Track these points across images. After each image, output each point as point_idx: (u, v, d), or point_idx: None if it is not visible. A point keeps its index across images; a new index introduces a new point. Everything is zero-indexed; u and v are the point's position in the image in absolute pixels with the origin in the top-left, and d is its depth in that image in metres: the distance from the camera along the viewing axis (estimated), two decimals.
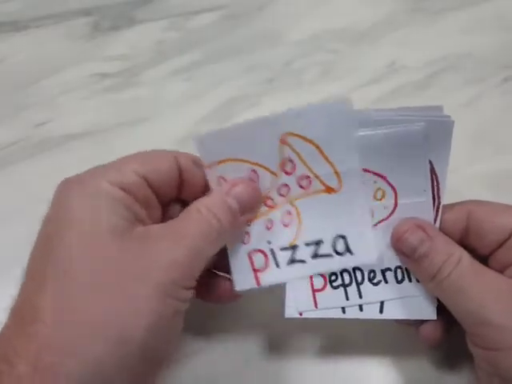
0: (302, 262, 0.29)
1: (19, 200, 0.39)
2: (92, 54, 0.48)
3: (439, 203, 0.28)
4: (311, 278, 0.29)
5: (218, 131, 0.27)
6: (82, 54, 0.48)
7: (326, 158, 0.27)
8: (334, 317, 0.29)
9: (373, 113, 0.27)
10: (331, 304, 0.29)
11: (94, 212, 0.24)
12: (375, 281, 0.29)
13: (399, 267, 0.29)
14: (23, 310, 0.23)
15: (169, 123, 0.44)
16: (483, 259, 0.28)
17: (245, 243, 0.29)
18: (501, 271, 0.27)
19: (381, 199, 0.28)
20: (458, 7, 0.50)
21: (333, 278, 0.29)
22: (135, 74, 0.47)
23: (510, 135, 0.42)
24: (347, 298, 0.29)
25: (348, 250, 0.29)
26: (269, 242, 0.29)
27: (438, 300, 0.28)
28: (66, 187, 0.26)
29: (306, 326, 0.33)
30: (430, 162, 0.27)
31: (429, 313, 0.29)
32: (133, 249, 0.24)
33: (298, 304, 0.29)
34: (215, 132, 0.27)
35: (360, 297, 0.29)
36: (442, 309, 0.28)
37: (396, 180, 0.28)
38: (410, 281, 0.29)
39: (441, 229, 0.28)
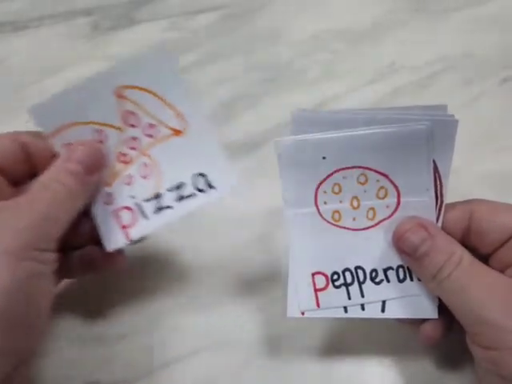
0: (169, 207, 0.30)
1: None
2: (92, 54, 0.48)
3: (442, 202, 0.28)
4: (313, 276, 0.29)
5: (51, 98, 0.28)
6: (82, 54, 0.48)
7: (165, 102, 0.28)
8: (336, 316, 0.29)
9: (377, 112, 0.27)
10: (333, 303, 0.29)
11: None
12: (377, 280, 0.29)
13: (401, 266, 0.29)
14: None
15: None
16: (484, 258, 0.28)
17: (107, 203, 0.30)
18: (501, 271, 0.27)
19: (383, 198, 0.28)
20: (458, 7, 0.50)
21: (335, 277, 0.29)
22: None
23: (510, 135, 0.42)
24: (349, 298, 0.29)
25: (210, 186, 0.30)
26: (132, 197, 0.30)
27: (439, 299, 0.28)
28: None
29: (306, 325, 0.33)
30: (434, 161, 0.27)
31: (430, 312, 0.29)
32: None
33: (300, 304, 0.29)
34: (48, 99, 0.28)
35: (362, 296, 0.29)
36: (442, 308, 0.28)
37: (399, 179, 0.28)
38: (412, 280, 0.29)
39: (443, 228, 0.28)
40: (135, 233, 0.30)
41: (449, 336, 0.29)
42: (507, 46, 0.47)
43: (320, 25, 0.50)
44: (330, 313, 0.29)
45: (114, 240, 0.30)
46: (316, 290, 0.29)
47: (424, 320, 0.29)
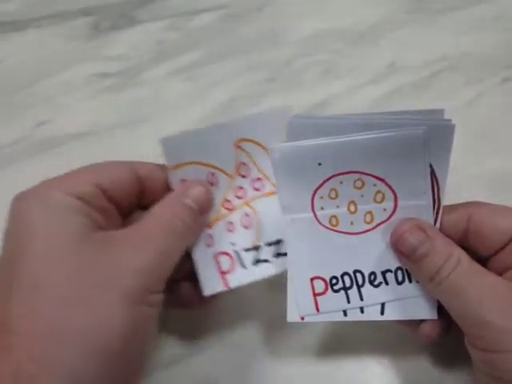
0: (267, 261, 0.30)
1: None
2: (92, 53, 0.48)
3: (439, 205, 0.28)
4: (312, 282, 0.29)
5: (183, 134, 0.28)
6: (82, 54, 0.48)
7: None
8: (336, 320, 0.29)
9: (372, 116, 0.27)
10: (333, 308, 0.29)
11: (52, 223, 0.24)
12: (376, 283, 0.29)
13: (399, 268, 0.29)
14: None
15: (169, 123, 0.44)
16: (483, 261, 0.28)
17: (209, 245, 0.30)
18: (500, 273, 0.27)
19: (380, 202, 0.28)
20: (458, 7, 0.50)
21: (333, 281, 0.29)
22: (135, 74, 0.47)
23: (510, 135, 0.42)
24: (348, 301, 0.29)
25: None
26: (232, 244, 0.30)
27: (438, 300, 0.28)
28: (22, 200, 0.26)
29: (305, 326, 0.33)
30: (431, 166, 0.27)
31: (429, 313, 0.29)
32: (95, 256, 0.24)
33: (299, 309, 0.29)
34: (180, 135, 0.29)
35: (361, 299, 0.29)
36: (441, 307, 0.28)
37: (395, 183, 0.28)
38: (410, 281, 0.29)
39: (441, 230, 0.28)
40: (234, 281, 0.30)
41: (448, 336, 0.29)
42: (507, 45, 0.47)
43: (320, 25, 0.50)
44: (330, 317, 0.29)
45: (212, 285, 0.30)
46: (315, 295, 0.29)
47: (422, 320, 0.29)
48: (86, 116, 0.44)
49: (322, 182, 0.28)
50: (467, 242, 0.28)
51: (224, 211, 0.30)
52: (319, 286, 0.29)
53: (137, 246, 0.25)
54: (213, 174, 0.30)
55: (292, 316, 0.29)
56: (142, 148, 0.42)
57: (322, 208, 0.28)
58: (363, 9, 0.51)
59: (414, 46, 0.48)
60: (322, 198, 0.28)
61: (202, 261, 0.30)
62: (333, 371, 0.32)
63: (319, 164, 0.27)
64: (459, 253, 0.27)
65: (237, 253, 0.30)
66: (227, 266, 0.30)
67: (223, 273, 0.30)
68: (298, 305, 0.29)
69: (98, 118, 0.44)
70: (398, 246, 0.28)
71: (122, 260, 0.24)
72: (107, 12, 0.51)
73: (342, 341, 0.33)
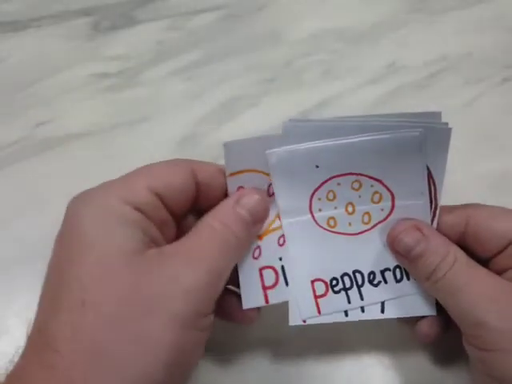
0: None
1: (19, 200, 0.39)
2: (92, 54, 0.48)
3: (436, 206, 0.28)
4: (312, 284, 0.29)
5: (247, 140, 0.27)
6: (82, 54, 0.48)
7: None
8: (338, 321, 0.29)
9: (369, 119, 0.26)
10: (334, 309, 0.29)
11: (107, 236, 0.23)
12: (375, 282, 0.29)
13: (398, 267, 0.29)
14: (38, 338, 0.22)
15: (169, 123, 0.44)
16: (481, 262, 0.28)
17: (255, 258, 0.28)
18: (499, 274, 0.27)
19: (378, 202, 0.28)
20: (458, 7, 0.50)
21: (334, 282, 0.29)
22: (135, 74, 0.47)
23: (510, 135, 0.42)
24: (349, 302, 0.29)
25: None
26: (280, 259, 0.29)
27: None
28: (78, 206, 0.24)
29: (305, 326, 0.33)
30: (428, 167, 0.27)
31: (428, 309, 0.29)
32: (146, 276, 0.22)
33: (301, 312, 0.29)
34: (244, 140, 0.27)
35: (362, 299, 0.29)
36: (439, 305, 0.28)
37: (393, 184, 0.28)
38: (409, 279, 0.29)
39: (438, 231, 0.28)
40: (274, 297, 0.29)
41: (449, 335, 0.29)
42: (507, 45, 0.47)
43: (320, 25, 0.50)
44: (331, 318, 0.29)
45: (253, 299, 0.28)
46: (316, 297, 0.29)
47: (420, 318, 0.29)
48: (86, 116, 0.44)
49: (319, 184, 0.28)
50: (465, 245, 0.28)
51: (278, 223, 0.29)
52: (320, 288, 0.29)
53: (188, 264, 0.23)
54: (271, 185, 0.28)
55: (294, 319, 0.29)
56: (142, 148, 0.42)
57: (319, 210, 0.28)
58: (363, 9, 0.51)
59: (414, 46, 0.48)
60: (319, 199, 0.28)
61: (247, 273, 0.28)
62: (333, 371, 0.32)
63: (316, 166, 0.27)
64: (455, 251, 0.27)
65: (283, 269, 0.29)
66: (271, 282, 0.29)
67: (265, 288, 0.29)
68: (300, 308, 0.29)
69: (98, 118, 0.44)
70: (394, 245, 0.28)
71: (172, 281, 0.22)
72: (107, 12, 0.51)
73: (341, 341, 0.33)
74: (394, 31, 0.49)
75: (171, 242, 0.25)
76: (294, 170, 0.27)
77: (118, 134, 0.43)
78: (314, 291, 0.29)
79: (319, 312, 0.29)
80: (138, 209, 0.24)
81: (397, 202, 0.28)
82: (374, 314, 0.29)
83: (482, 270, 0.27)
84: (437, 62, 0.47)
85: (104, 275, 0.22)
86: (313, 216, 0.28)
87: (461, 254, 0.27)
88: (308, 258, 0.29)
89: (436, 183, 0.28)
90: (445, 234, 0.28)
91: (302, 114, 0.43)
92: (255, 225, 0.27)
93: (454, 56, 0.47)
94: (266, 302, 0.29)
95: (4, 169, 0.41)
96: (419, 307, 0.29)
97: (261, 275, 0.28)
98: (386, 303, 0.29)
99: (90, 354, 0.21)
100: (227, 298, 0.29)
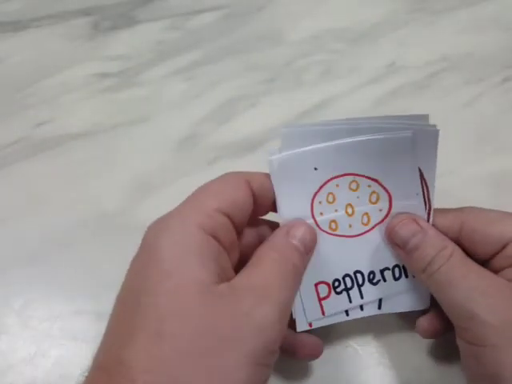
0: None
1: (19, 200, 0.39)
2: (92, 54, 0.48)
3: (430, 207, 0.29)
4: (316, 287, 0.29)
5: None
6: (82, 54, 0.48)
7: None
8: (340, 321, 0.30)
9: (360, 121, 0.27)
10: (336, 309, 0.30)
11: (185, 266, 0.23)
12: (375, 281, 0.30)
13: (397, 265, 0.30)
14: (112, 364, 0.22)
15: (169, 123, 0.44)
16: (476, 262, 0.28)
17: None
18: (495, 273, 0.27)
19: (376, 202, 0.29)
20: (458, 7, 0.50)
21: (336, 284, 0.30)
22: (135, 74, 0.47)
23: (510, 135, 0.42)
24: (350, 301, 0.30)
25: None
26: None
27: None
28: (156, 234, 0.24)
29: None
30: (419, 169, 0.28)
31: (423, 303, 0.30)
32: (222, 311, 0.22)
33: (307, 314, 0.29)
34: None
35: (361, 297, 0.30)
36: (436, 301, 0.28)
37: (389, 183, 0.28)
38: (407, 276, 0.30)
39: None
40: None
41: (449, 335, 0.29)
42: (507, 45, 0.47)
43: (320, 25, 0.50)
44: (334, 319, 0.30)
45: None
46: (320, 300, 0.29)
47: (421, 313, 0.30)
48: (86, 116, 0.44)
49: (319, 186, 0.28)
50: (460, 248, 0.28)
51: None
52: (323, 290, 0.29)
53: (259, 301, 0.23)
54: None
55: (301, 325, 0.30)
56: (142, 148, 0.42)
57: (321, 214, 0.29)
58: (363, 9, 0.51)
59: (414, 46, 0.48)
60: (320, 203, 0.28)
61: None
62: (332, 371, 0.32)
63: (315, 169, 0.28)
64: (452, 246, 0.27)
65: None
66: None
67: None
68: (305, 311, 0.29)
69: (97, 118, 0.44)
70: (391, 236, 0.28)
71: (246, 318, 0.22)
72: (107, 12, 0.51)
73: (341, 340, 0.33)
74: (394, 31, 0.49)
75: (235, 261, 0.26)
76: (294, 174, 0.28)
77: (118, 134, 0.43)
78: (317, 294, 0.29)
79: (323, 313, 0.30)
80: (214, 235, 0.24)
81: (394, 202, 0.28)
82: (371, 310, 0.30)
83: (476, 266, 0.27)
84: (437, 62, 0.47)
85: (181, 307, 0.22)
86: (315, 221, 0.29)
87: (457, 249, 0.27)
88: (312, 263, 0.29)
89: (428, 184, 0.28)
90: None
91: (301, 114, 0.43)
92: (307, 253, 0.27)
93: (454, 56, 0.47)
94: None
95: (4, 169, 0.41)
96: (414, 302, 0.30)
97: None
98: (383, 299, 0.30)
99: None
100: (290, 336, 0.29)
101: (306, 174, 0.28)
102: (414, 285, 0.30)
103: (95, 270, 0.36)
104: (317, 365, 0.32)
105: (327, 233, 0.29)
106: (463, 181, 0.39)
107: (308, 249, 0.27)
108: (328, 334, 0.33)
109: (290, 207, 0.28)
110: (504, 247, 0.27)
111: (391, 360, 0.33)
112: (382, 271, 0.30)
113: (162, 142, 0.42)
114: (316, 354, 0.30)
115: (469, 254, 0.28)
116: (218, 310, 0.22)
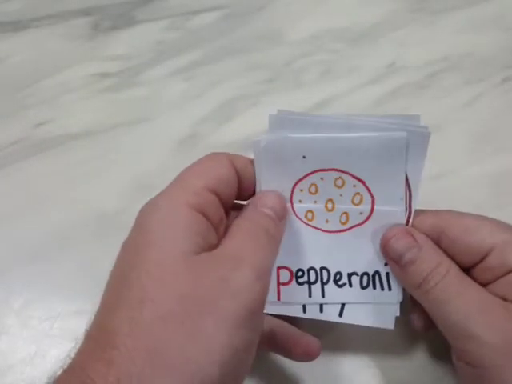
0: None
1: (19, 200, 0.39)
2: (92, 54, 0.48)
3: (410, 213, 0.28)
4: (278, 270, 0.29)
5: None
6: (82, 54, 0.48)
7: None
8: (294, 315, 0.29)
9: (353, 118, 0.27)
10: (294, 299, 0.29)
11: (170, 239, 0.24)
12: (340, 283, 0.29)
13: (366, 273, 0.29)
14: (97, 334, 0.23)
15: (169, 123, 0.44)
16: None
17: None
18: (483, 285, 0.27)
19: (358, 204, 0.28)
20: (458, 7, 0.50)
21: (299, 273, 0.29)
22: (135, 74, 0.47)
23: (510, 135, 0.42)
24: (310, 296, 0.29)
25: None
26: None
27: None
28: (145, 215, 0.25)
29: (304, 326, 0.33)
30: (405, 174, 0.27)
31: (388, 322, 0.29)
32: (200, 277, 0.23)
33: None
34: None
35: (323, 296, 0.29)
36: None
37: (375, 186, 0.28)
38: (375, 288, 0.29)
39: None
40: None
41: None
42: (507, 45, 0.47)
43: (320, 25, 0.50)
44: (289, 311, 0.29)
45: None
46: (279, 284, 0.29)
47: (413, 308, 0.29)
48: (86, 116, 0.44)
49: (304, 175, 0.28)
50: None
51: None
52: (285, 275, 0.29)
53: (234, 266, 0.23)
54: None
55: None
56: (142, 148, 0.42)
57: (300, 201, 0.28)
58: (363, 9, 0.51)
59: (414, 46, 0.48)
60: (301, 190, 0.28)
61: None
62: (332, 371, 0.32)
63: (304, 157, 0.27)
64: (448, 262, 0.27)
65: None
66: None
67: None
68: None
69: (97, 118, 0.44)
70: (386, 249, 0.28)
71: (223, 282, 0.23)
72: (107, 12, 0.51)
73: (341, 341, 0.33)
74: (394, 31, 0.49)
75: (223, 238, 0.26)
76: (281, 157, 0.27)
77: (118, 134, 0.43)
78: (278, 277, 0.29)
79: (279, 298, 0.29)
80: (202, 211, 0.25)
81: (376, 207, 0.28)
82: (331, 315, 0.29)
83: (472, 283, 0.26)
84: (437, 62, 0.47)
85: (163, 274, 0.23)
86: (292, 206, 0.29)
87: (453, 266, 0.27)
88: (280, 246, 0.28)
89: (411, 190, 0.28)
90: None
91: None
92: (280, 220, 0.27)
93: (454, 56, 0.47)
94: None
95: (4, 169, 0.41)
96: (378, 318, 0.29)
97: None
98: (345, 307, 0.29)
99: (147, 350, 0.21)
100: (285, 333, 0.29)
101: (293, 160, 0.27)
102: (382, 299, 0.29)
103: (95, 270, 0.35)
104: (317, 365, 0.32)
105: (301, 221, 0.29)
106: (463, 181, 0.39)
107: (280, 215, 0.27)
108: (327, 334, 0.33)
109: (269, 187, 0.28)
110: (484, 258, 0.27)
111: (391, 360, 0.33)
112: (349, 275, 0.29)
113: (162, 142, 0.42)
114: (312, 354, 0.30)
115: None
116: (198, 276, 0.23)
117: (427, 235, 0.28)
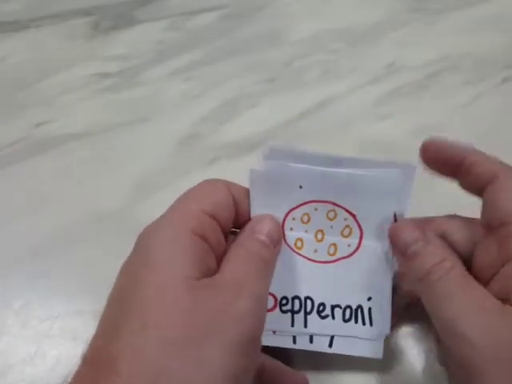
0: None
1: (19, 200, 0.39)
2: (92, 54, 0.48)
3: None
4: None
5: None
6: (82, 54, 0.48)
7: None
8: (284, 346, 0.29)
9: (342, 158, 0.27)
10: (275, 327, 0.29)
11: (171, 263, 0.24)
12: (323, 314, 0.29)
13: (349, 307, 0.29)
14: (98, 358, 0.22)
15: (169, 123, 0.44)
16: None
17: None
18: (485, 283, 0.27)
19: (347, 236, 0.29)
20: (458, 7, 0.50)
21: (283, 301, 0.29)
22: (135, 74, 0.47)
23: (510, 135, 0.42)
24: (292, 325, 0.29)
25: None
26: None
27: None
28: (146, 238, 0.26)
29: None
30: (394, 210, 0.28)
31: (375, 352, 0.29)
32: (204, 301, 0.23)
33: None
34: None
35: (305, 326, 0.29)
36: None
37: (364, 221, 0.28)
38: (356, 322, 0.29)
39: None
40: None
41: None
42: (507, 45, 0.48)
43: (320, 25, 0.50)
44: (279, 342, 0.29)
45: None
46: None
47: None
48: (86, 116, 0.44)
49: (298, 204, 0.28)
50: None
51: None
52: (269, 302, 0.29)
53: (235, 294, 0.24)
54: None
55: None
56: (142, 148, 0.42)
57: (291, 229, 0.29)
58: (363, 9, 0.51)
59: (414, 46, 0.48)
60: (294, 219, 0.28)
61: None
62: (332, 371, 0.32)
63: (300, 187, 0.28)
64: (455, 259, 0.27)
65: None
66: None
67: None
68: None
69: (98, 118, 0.44)
70: (393, 239, 0.28)
71: (223, 307, 0.23)
72: (107, 12, 0.51)
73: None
74: (394, 31, 0.49)
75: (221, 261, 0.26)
76: (277, 185, 0.28)
77: (118, 134, 0.43)
78: None
79: None
80: (201, 235, 0.25)
81: (363, 241, 0.29)
82: (322, 346, 0.29)
83: (476, 285, 0.26)
84: (437, 62, 0.47)
85: (165, 299, 0.23)
86: (284, 233, 0.29)
87: (459, 264, 0.26)
88: None
89: None
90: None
91: (302, 114, 0.43)
92: (275, 246, 0.27)
93: (453, 56, 0.47)
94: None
95: (4, 169, 0.41)
96: (366, 349, 0.29)
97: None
98: (334, 338, 0.29)
99: (150, 377, 0.21)
100: (273, 369, 0.29)
101: (290, 189, 0.28)
102: (366, 334, 0.29)
103: (95, 270, 0.36)
104: (316, 365, 0.32)
105: (291, 248, 0.29)
106: None
107: (275, 242, 0.27)
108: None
109: (262, 211, 0.28)
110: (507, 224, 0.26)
111: (391, 360, 0.33)
112: (332, 307, 0.29)
113: (162, 141, 0.42)
114: None
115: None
116: (200, 302, 0.23)
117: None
